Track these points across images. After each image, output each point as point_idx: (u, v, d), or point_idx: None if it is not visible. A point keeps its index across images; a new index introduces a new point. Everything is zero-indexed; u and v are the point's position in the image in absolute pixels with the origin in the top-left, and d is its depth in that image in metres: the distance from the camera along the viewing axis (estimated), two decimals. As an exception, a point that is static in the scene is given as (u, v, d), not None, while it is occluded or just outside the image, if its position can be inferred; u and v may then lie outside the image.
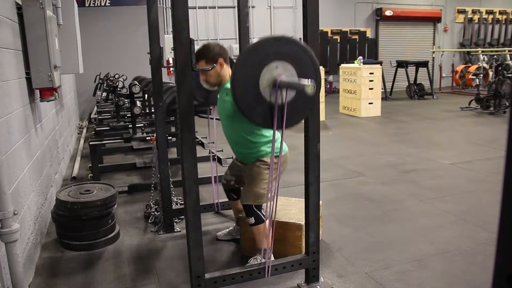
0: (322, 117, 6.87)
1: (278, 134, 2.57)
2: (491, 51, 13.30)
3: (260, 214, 2.62)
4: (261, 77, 1.99)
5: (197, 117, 2.77)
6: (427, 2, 14.42)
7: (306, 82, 1.88)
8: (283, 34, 2.11)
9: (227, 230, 3.26)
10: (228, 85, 2.56)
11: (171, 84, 4.49)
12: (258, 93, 2.00)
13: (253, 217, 2.62)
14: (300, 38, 2.23)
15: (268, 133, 2.58)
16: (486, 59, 11.57)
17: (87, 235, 3.13)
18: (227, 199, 3.35)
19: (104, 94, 7.17)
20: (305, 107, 2.14)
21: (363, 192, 4.20)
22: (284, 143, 2.66)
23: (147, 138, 4.75)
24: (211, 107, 3.37)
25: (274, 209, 2.30)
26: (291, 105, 2.05)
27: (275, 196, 2.30)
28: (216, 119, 3.24)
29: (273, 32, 12.56)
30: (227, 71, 2.66)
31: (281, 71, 2.01)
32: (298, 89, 1.93)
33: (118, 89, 5.76)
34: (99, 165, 4.88)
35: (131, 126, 5.06)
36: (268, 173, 2.58)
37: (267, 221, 2.58)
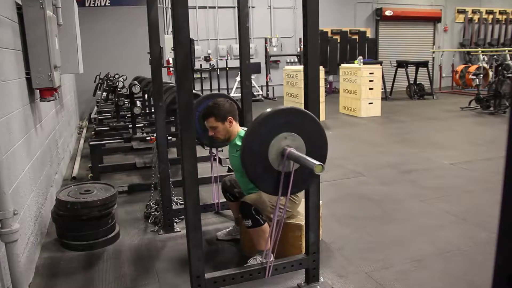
0: (322, 117, 6.88)
1: None
2: (491, 51, 13.30)
3: (259, 218, 2.59)
4: (270, 148, 2.06)
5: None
6: (427, 2, 14.42)
7: (316, 162, 1.92)
8: (292, 107, 2.19)
9: (227, 230, 3.26)
10: (237, 142, 2.69)
11: (171, 84, 4.50)
12: (267, 163, 2.06)
13: (250, 220, 2.58)
14: (300, 39, 2.23)
15: None
16: (486, 59, 11.57)
17: (87, 235, 3.13)
18: (227, 199, 3.35)
19: (104, 94, 7.16)
20: (310, 177, 2.19)
21: (363, 192, 4.20)
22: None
23: (147, 138, 4.75)
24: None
25: (280, 224, 2.29)
26: (297, 174, 2.11)
27: (281, 221, 2.33)
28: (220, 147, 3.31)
29: (273, 32, 12.57)
30: (235, 127, 2.76)
31: (290, 141, 2.07)
32: (307, 166, 1.97)
33: (118, 89, 5.76)
34: (99, 165, 4.88)
35: (131, 126, 5.06)
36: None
37: (266, 224, 2.58)
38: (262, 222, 2.59)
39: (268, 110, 2.08)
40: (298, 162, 2.04)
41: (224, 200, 3.50)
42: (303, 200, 2.57)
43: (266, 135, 2.05)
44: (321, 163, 1.91)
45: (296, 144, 2.08)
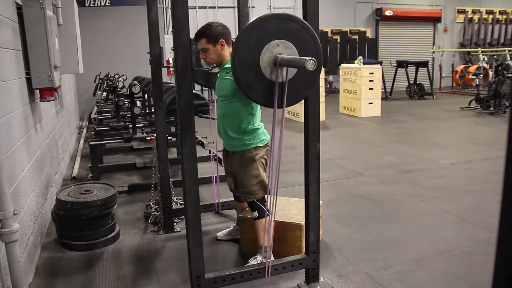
0: (322, 117, 6.87)
1: (261, 124, 2.66)
2: (491, 51, 13.30)
3: (263, 207, 2.63)
4: (262, 55, 1.98)
5: (197, 117, 2.77)
6: (427, 2, 14.42)
7: (307, 58, 1.85)
8: (285, 13, 2.09)
9: (227, 230, 3.26)
10: (229, 65, 2.54)
11: (171, 84, 4.50)
12: (258, 71, 1.99)
13: (256, 211, 2.66)
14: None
15: (257, 123, 2.64)
16: (486, 59, 11.56)
17: (87, 235, 3.13)
18: (227, 199, 3.36)
19: (104, 94, 7.16)
20: (306, 86, 2.12)
21: (363, 192, 4.20)
22: (265, 131, 2.67)
23: (147, 138, 4.75)
24: (211, 108, 3.37)
25: (274, 205, 2.30)
26: (291, 84, 2.05)
27: (277, 181, 2.28)
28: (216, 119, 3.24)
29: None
30: (227, 51, 2.64)
31: (282, 49, 1.99)
32: (298, 65, 1.90)
33: (118, 89, 5.76)
34: (99, 165, 4.88)
35: (131, 126, 5.06)
36: (254, 166, 2.61)
37: (267, 218, 2.58)
38: (267, 213, 2.59)
39: (260, 16, 2.01)
40: (290, 64, 1.97)
41: (224, 200, 3.52)
42: (303, 201, 2.56)
43: (257, 41, 1.96)
44: (312, 58, 1.83)
45: (289, 52, 2.00)
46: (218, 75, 2.77)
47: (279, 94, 2.03)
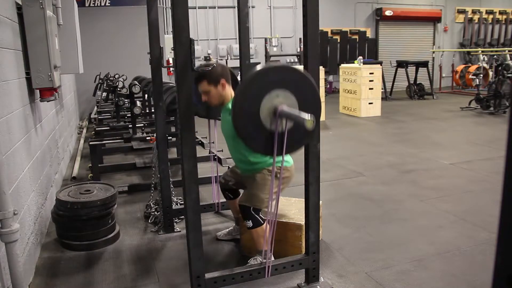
0: (322, 117, 6.85)
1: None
2: (491, 51, 13.30)
3: (258, 218, 2.60)
4: (262, 106, 2.00)
5: (197, 117, 2.77)
6: (427, 2, 14.42)
7: (306, 116, 1.88)
8: (284, 63, 2.13)
9: (227, 230, 3.26)
10: (230, 105, 2.58)
11: (171, 84, 4.49)
12: (258, 122, 2.02)
13: (250, 221, 2.60)
14: (300, 39, 2.23)
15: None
16: (486, 59, 11.57)
17: (87, 235, 3.13)
18: (227, 199, 3.34)
19: (104, 94, 7.16)
20: (305, 135, 2.15)
21: (363, 192, 4.20)
22: (289, 156, 2.68)
23: (147, 138, 4.75)
24: (212, 142, 3.40)
25: (275, 214, 2.30)
26: (291, 133, 2.06)
27: (276, 204, 2.31)
28: (216, 119, 3.25)
29: (273, 32, 12.57)
30: (229, 91, 2.69)
31: (282, 99, 2.02)
32: (298, 122, 1.94)
33: (118, 89, 5.76)
34: (99, 165, 4.88)
35: (131, 126, 5.06)
36: (265, 185, 2.61)
37: (266, 224, 2.59)
38: (262, 222, 2.60)
39: (259, 67, 2.03)
40: (290, 118, 1.99)
41: (224, 200, 3.51)
42: (303, 201, 2.56)
43: (257, 93, 1.99)
44: (312, 117, 1.86)
45: (289, 102, 2.02)
46: (221, 115, 2.82)
47: (278, 143, 2.05)
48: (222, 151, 4.82)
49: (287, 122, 2.03)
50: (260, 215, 2.62)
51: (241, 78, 3.56)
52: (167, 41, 7.81)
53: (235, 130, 2.06)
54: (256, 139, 2.05)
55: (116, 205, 3.35)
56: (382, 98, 9.42)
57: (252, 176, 2.70)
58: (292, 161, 2.76)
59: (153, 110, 4.96)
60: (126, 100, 5.54)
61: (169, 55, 7.77)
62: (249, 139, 2.06)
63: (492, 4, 15.16)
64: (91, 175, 4.73)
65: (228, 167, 4.69)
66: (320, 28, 2.30)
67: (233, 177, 2.99)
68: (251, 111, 2.00)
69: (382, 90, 9.51)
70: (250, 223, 2.60)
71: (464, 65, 13.10)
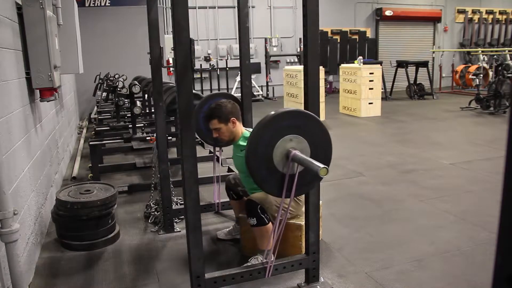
0: (322, 117, 6.86)
1: None
2: (491, 51, 13.30)
3: (264, 217, 2.60)
4: (275, 150, 2.05)
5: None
6: (427, 2, 14.42)
7: (320, 165, 1.91)
8: (298, 109, 2.17)
9: (227, 230, 3.26)
10: (241, 142, 2.70)
11: (171, 84, 4.50)
12: (272, 165, 2.06)
13: (255, 218, 2.59)
14: (300, 39, 2.23)
15: None
16: (486, 59, 11.56)
17: (87, 235, 3.13)
18: (227, 199, 3.35)
19: (104, 94, 7.16)
20: (314, 180, 2.19)
21: (363, 192, 4.20)
22: None
23: (147, 138, 4.75)
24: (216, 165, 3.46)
25: (284, 219, 2.31)
26: (301, 176, 2.10)
27: (285, 215, 2.34)
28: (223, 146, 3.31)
29: (273, 32, 12.57)
30: (239, 128, 2.78)
31: (295, 144, 2.06)
32: (311, 169, 1.97)
33: (118, 89, 5.76)
34: (99, 165, 4.88)
35: (131, 126, 5.06)
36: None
37: (270, 224, 2.58)
38: (267, 221, 2.60)
39: (273, 112, 2.08)
40: (303, 165, 2.04)
41: (224, 200, 3.51)
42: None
43: (271, 137, 2.05)
44: (325, 166, 1.91)
45: (301, 146, 2.08)
46: (233, 150, 2.89)
47: (288, 184, 2.09)
48: (222, 151, 4.83)
49: (298, 167, 2.07)
50: (266, 215, 2.61)
51: (241, 77, 3.57)
52: (167, 41, 7.82)
53: (249, 173, 2.09)
54: (269, 181, 2.10)
55: (116, 205, 3.35)
56: (382, 98, 9.42)
57: None
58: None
59: (153, 110, 4.97)
60: (126, 100, 5.53)
61: (169, 55, 7.78)
62: (262, 182, 2.11)
63: (492, 4, 15.16)
64: (91, 175, 4.73)
65: (229, 167, 4.71)
66: (320, 28, 2.31)
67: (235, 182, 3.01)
68: (265, 155, 2.05)
69: (382, 90, 9.51)
70: (254, 221, 2.60)
71: (464, 65, 13.09)
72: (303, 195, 2.70)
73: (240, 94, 3.65)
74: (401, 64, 11.60)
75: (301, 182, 2.11)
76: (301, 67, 7.75)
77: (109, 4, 9.96)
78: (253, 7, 12.03)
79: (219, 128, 2.74)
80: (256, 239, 2.69)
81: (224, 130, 2.73)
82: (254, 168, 2.07)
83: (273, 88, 12.54)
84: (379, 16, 13.67)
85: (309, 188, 2.28)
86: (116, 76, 7.51)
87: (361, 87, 8.83)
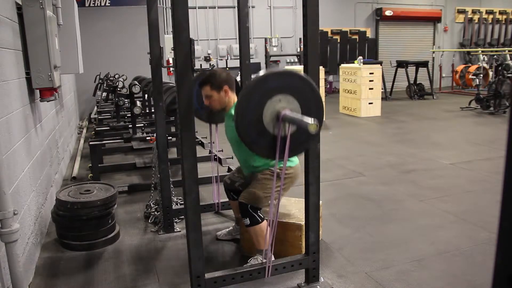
0: (322, 117, 6.86)
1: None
2: (491, 51, 13.30)
3: (256, 216, 2.60)
4: (265, 111, 2.02)
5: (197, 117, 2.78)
6: (427, 2, 14.43)
7: (310, 120, 1.89)
8: (286, 69, 2.13)
9: (227, 230, 3.26)
10: (233, 112, 2.59)
11: (171, 84, 4.49)
12: (261, 127, 2.03)
13: (248, 218, 2.60)
14: (300, 39, 2.23)
15: None
16: (486, 59, 11.56)
17: (87, 235, 3.13)
18: (227, 199, 3.36)
19: (104, 94, 7.17)
20: (307, 140, 2.16)
21: (363, 192, 4.20)
22: (296, 157, 2.68)
23: (147, 138, 4.75)
24: (213, 142, 3.42)
25: (276, 214, 2.30)
26: (294, 137, 2.07)
27: (277, 204, 2.32)
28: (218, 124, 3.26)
29: (273, 32, 12.57)
30: (232, 98, 2.72)
31: (285, 104, 2.03)
32: (301, 126, 1.95)
33: (118, 89, 5.77)
34: (99, 165, 4.88)
35: (131, 126, 5.06)
36: (267, 184, 2.62)
37: (264, 222, 2.59)
38: (260, 220, 2.60)
39: (261, 73, 2.04)
40: (293, 123, 2.00)
41: (224, 200, 3.51)
42: (303, 201, 2.56)
43: (260, 98, 2.01)
44: (315, 121, 1.87)
45: (291, 106, 2.04)
46: (225, 120, 2.85)
47: (281, 147, 2.06)
48: (222, 151, 4.83)
49: (290, 126, 2.04)
50: (259, 213, 2.62)
51: (241, 77, 3.57)
52: (167, 41, 7.82)
53: (238, 136, 2.07)
54: (260, 144, 2.07)
55: (116, 205, 3.35)
56: (382, 98, 9.42)
57: (255, 176, 2.72)
58: (298, 161, 2.76)
59: (153, 110, 4.97)
60: (126, 100, 5.54)
61: (169, 55, 7.77)
62: (252, 144, 2.08)
63: (492, 4, 15.16)
64: (91, 175, 4.73)
65: (229, 167, 4.71)
66: (320, 28, 2.31)
67: (241, 177, 2.99)
68: (254, 117, 2.02)
69: (382, 90, 9.51)
70: (247, 221, 2.61)
71: (464, 65, 13.10)
72: (295, 162, 2.72)
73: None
74: (401, 64, 11.60)
75: (294, 143, 2.07)
76: (301, 67, 7.76)
77: (109, 4, 9.96)
78: (253, 7, 12.02)
79: (210, 95, 2.66)
80: (252, 240, 2.69)
81: (216, 97, 2.66)
82: (243, 130, 2.03)
83: (273, 88, 12.51)
84: (379, 16, 13.67)
85: (303, 149, 2.23)
86: (116, 76, 7.52)
87: (361, 87, 8.83)
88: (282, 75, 2.08)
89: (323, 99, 8.57)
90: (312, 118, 1.91)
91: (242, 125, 2.03)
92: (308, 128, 1.87)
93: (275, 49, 12.50)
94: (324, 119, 7.94)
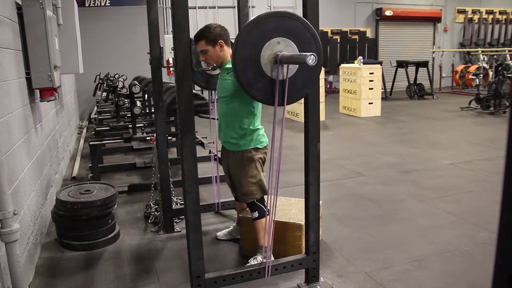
0: (322, 117, 6.87)
1: (261, 126, 2.66)
2: (491, 51, 13.30)
3: (263, 207, 2.65)
4: (262, 53, 1.98)
5: (197, 117, 2.78)
6: (427, 2, 14.42)
7: (307, 53, 1.85)
8: (288, 11, 2.10)
9: (227, 230, 3.26)
10: (229, 65, 2.56)
11: (171, 84, 4.49)
12: (259, 68, 1.99)
13: (256, 211, 2.66)
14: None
15: (258, 125, 2.64)
16: (486, 59, 11.56)
17: (87, 235, 3.13)
18: (227, 199, 3.36)
19: (104, 94, 7.16)
20: (306, 83, 2.12)
21: (363, 192, 4.20)
22: (265, 136, 2.67)
23: (147, 138, 4.75)
24: (211, 108, 3.38)
25: (273, 212, 2.30)
26: (292, 82, 2.05)
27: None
28: (216, 119, 3.24)
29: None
30: (227, 52, 2.67)
31: (283, 47, 2.00)
32: (299, 61, 1.91)
33: (118, 89, 5.76)
34: (99, 165, 4.88)
35: (131, 126, 5.06)
36: (252, 166, 2.61)
37: (268, 217, 2.59)
38: (267, 212, 2.61)
39: (260, 14, 2.01)
40: (291, 61, 1.98)
41: (224, 200, 3.52)
42: (303, 201, 2.56)
43: (258, 39, 1.97)
44: (312, 53, 1.84)
45: (290, 50, 2.01)
46: (219, 76, 2.78)
47: (279, 91, 2.03)
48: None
49: (288, 70, 2.01)
50: (265, 204, 2.65)
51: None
52: (167, 41, 7.81)
53: (235, 76, 2.01)
54: (257, 85, 2.02)
55: (116, 205, 3.35)
56: (382, 98, 9.42)
57: (233, 163, 2.68)
58: (267, 141, 2.71)
59: (153, 110, 4.97)
60: (126, 100, 5.53)
61: (169, 55, 7.77)
62: (249, 86, 2.02)
63: (492, 4, 15.16)
64: (91, 175, 4.73)
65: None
66: (320, 28, 2.30)
67: (226, 175, 2.95)
68: (252, 57, 1.97)
69: (382, 90, 9.51)
70: (256, 214, 2.66)
71: (464, 65, 13.09)
72: (266, 141, 2.68)
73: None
74: (401, 64, 11.60)
75: (293, 87, 2.04)
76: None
77: (109, 4, 9.95)
78: (253, 7, 12.02)
79: (206, 50, 2.62)
80: (256, 234, 2.71)
81: (212, 52, 2.62)
82: (240, 70, 1.97)
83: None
84: (379, 16, 13.67)
85: (302, 94, 2.19)
86: (116, 76, 7.51)
87: (361, 87, 8.83)
88: (282, 16, 2.03)
89: (323, 99, 8.50)
90: (310, 53, 1.86)
91: (240, 64, 1.97)
92: (306, 60, 1.82)
93: (275, 49, 12.49)
94: (324, 119, 7.98)
